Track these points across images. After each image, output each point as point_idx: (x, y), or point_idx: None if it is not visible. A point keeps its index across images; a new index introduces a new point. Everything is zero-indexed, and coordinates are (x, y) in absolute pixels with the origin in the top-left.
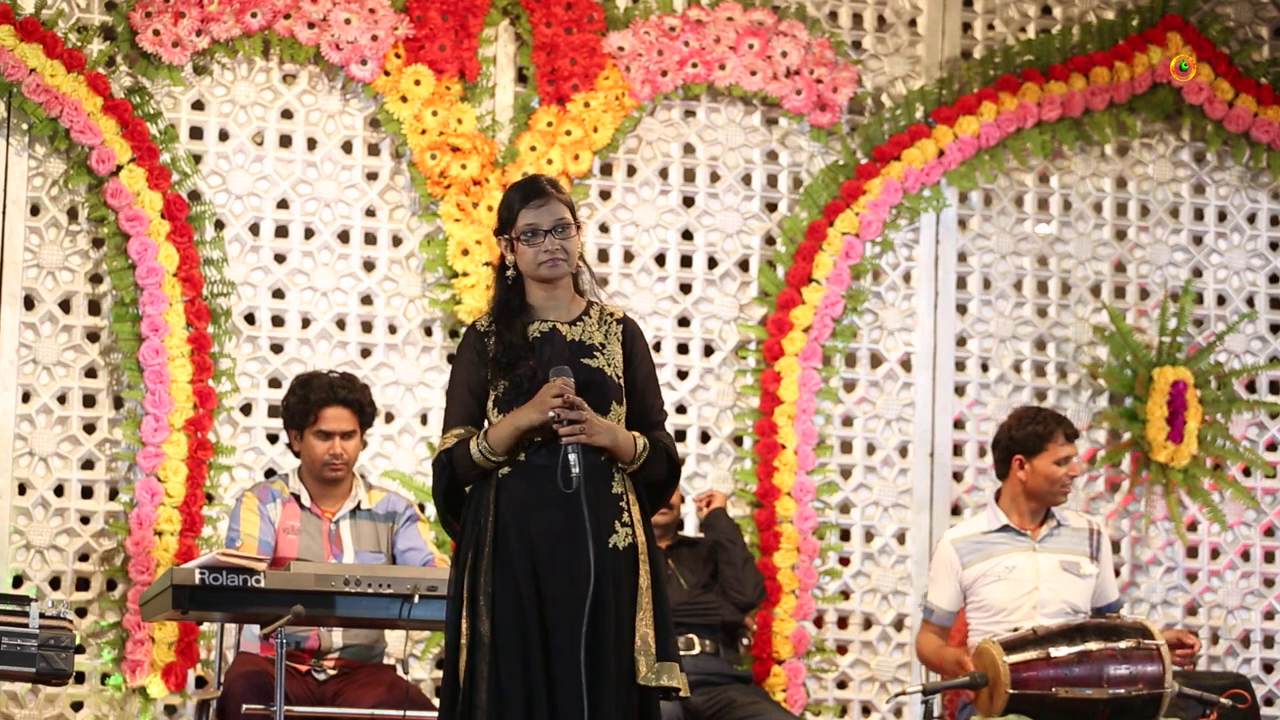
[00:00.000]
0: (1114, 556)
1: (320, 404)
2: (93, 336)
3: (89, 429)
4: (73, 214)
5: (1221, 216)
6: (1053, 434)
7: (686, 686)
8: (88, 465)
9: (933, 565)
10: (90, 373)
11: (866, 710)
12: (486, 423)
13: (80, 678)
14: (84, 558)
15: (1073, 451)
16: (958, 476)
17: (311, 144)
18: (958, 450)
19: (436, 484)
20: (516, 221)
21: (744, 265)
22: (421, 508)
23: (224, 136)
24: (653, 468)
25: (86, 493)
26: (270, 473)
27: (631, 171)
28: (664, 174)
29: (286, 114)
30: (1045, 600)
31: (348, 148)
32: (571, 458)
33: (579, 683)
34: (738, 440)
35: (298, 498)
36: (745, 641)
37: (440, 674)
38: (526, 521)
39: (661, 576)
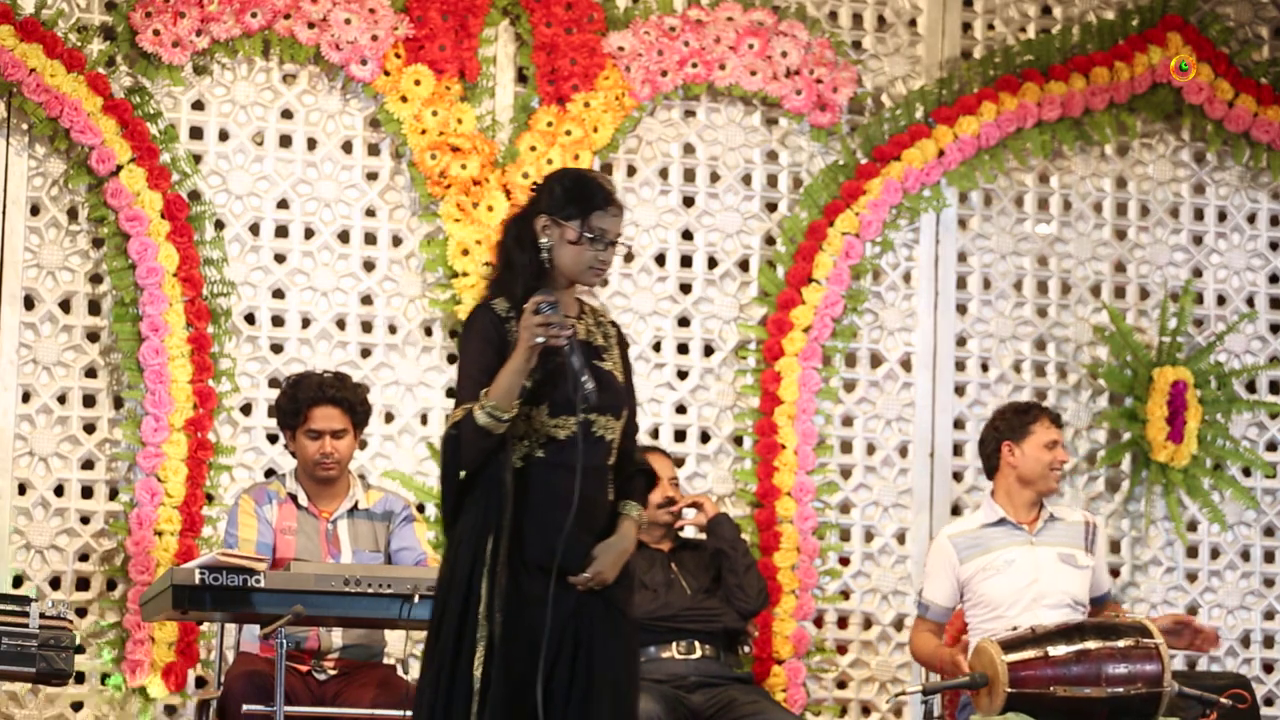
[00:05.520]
0: (1114, 557)
1: (309, 403)
2: (93, 336)
3: (89, 429)
4: (73, 214)
5: (1221, 216)
6: (1037, 418)
7: None
8: (88, 465)
9: (929, 561)
10: (90, 373)
11: (866, 710)
12: (482, 394)
13: (80, 678)
14: (84, 558)
15: (1058, 437)
16: (958, 476)
17: (311, 144)
18: (958, 450)
19: (450, 462)
20: (588, 219)
21: (744, 265)
22: (420, 508)
23: (224, 136)
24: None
25: (86, 493)
26: (270, 473)
27: (631, 171)
28: (664, 174)
29: (286, 114)
30: (1045, 592)
31: (348, 148)
32: (575, 360)
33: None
34: (738, 440)
35: (294, 498)
36: (746, 649)
37: None
38: (547, 516)
39: None
